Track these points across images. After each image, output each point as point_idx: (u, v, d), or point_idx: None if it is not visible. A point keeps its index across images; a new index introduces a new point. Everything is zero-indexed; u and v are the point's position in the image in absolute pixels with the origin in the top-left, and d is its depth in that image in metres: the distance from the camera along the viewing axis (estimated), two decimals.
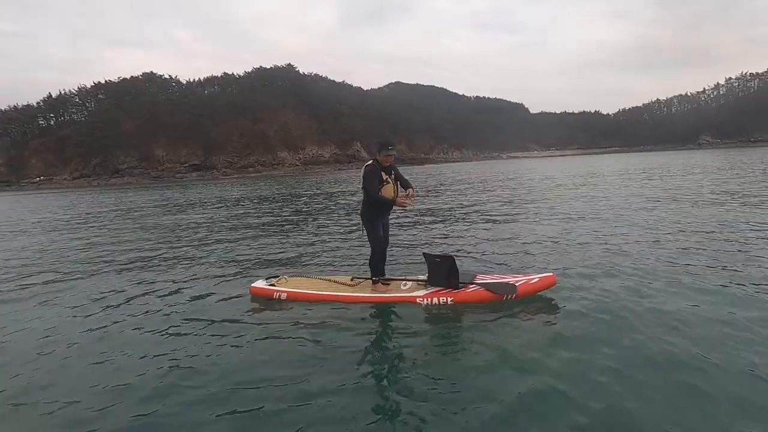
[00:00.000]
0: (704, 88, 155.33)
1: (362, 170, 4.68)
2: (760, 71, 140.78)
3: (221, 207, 18.65)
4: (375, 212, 4.78)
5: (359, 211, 4.96)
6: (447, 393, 2.86)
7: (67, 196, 43.71)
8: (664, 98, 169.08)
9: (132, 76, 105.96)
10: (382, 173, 4.64)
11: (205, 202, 21.90)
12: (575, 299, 4.44)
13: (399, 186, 4.80)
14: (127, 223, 14.22)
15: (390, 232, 5.16)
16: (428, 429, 2.53)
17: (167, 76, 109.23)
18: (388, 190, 4.63)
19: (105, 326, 4.40)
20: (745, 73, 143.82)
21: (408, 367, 3.27)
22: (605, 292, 4.60)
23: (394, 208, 4.88)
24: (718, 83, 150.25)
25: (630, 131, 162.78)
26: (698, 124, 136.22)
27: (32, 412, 2.90)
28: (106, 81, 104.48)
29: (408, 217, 11.35)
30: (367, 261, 5.13)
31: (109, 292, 5.68)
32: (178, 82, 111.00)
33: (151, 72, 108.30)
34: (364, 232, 4.87)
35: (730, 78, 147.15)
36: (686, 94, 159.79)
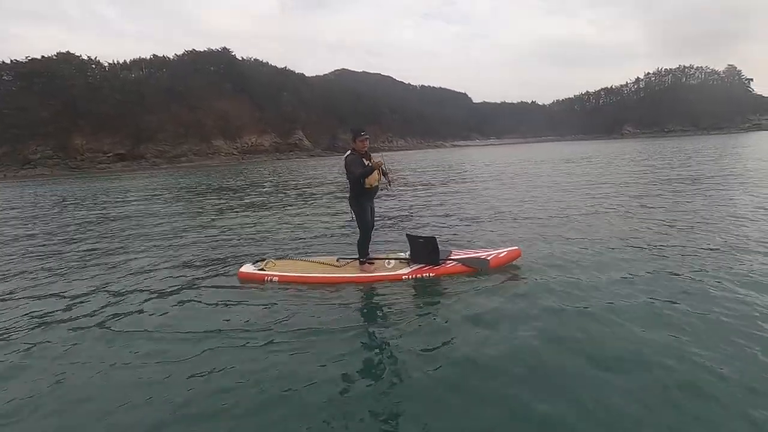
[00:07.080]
0: (627, 82, 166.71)
1: (344, 161, 4.82)
2: (672, 67, 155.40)
3: (166, 199, 17.64)
4: (363, 197, 4.94)
5: (348, 199, 5.08)
6: (435, 364, 3.02)
7: None
8: (593, 90, 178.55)
9: (44, 56, 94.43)
10: (363, 159, 4.85)
11: (143, 194, 20.55)
12: (538, 269, 4.92)
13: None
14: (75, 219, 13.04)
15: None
16: (421, 400, 2.65)
17: (86, 58, 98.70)
18: (372, 175, 4.79)
19: (101, 321, 4.12)
20: (660, 69, 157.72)
21: (400, 341, 3.40)
22: (564, 260, 5.17)
23: (378, 191, 5.06)
24: (638, 78, 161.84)
25: (562, 121, 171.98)
26: (622, 116, 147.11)
27: None
28: (12, 61, 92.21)
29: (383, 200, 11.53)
30: (353, 243, 5.27)
31: (97, 292, 5.08)
32: (98, 64, 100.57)
33: (68, 52, 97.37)
34: (353, 216, 5.02)
35: (648, 73, 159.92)
36: (611, 87, 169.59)
